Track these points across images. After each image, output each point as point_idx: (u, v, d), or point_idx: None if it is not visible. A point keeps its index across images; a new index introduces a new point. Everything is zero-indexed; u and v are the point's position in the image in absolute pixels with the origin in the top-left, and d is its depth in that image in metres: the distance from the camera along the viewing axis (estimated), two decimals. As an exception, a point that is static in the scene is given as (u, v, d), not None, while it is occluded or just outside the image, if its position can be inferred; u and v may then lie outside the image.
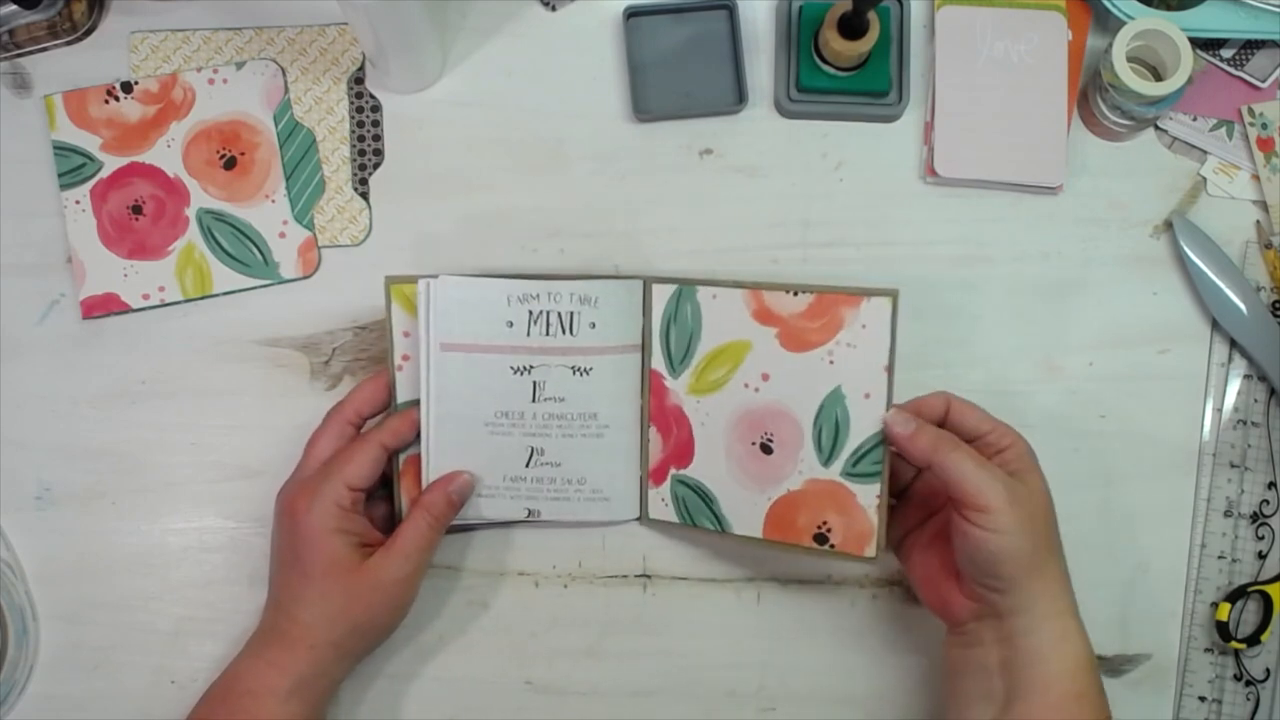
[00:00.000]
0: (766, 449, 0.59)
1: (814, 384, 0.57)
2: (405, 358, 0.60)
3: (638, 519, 0.63)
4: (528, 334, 0.59)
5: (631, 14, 0.66)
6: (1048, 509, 0.54)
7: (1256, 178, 0.66)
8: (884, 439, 0.55)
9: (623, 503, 0.62)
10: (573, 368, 0.60)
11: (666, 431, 0.61)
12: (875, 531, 0.56)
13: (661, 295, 0.61)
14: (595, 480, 0.61)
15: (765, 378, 0.58)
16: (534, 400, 0.60)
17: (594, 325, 0.60)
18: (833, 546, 0.57)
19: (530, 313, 0.59)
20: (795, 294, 0.57)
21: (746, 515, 0.59)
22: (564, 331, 0.60)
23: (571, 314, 0.60)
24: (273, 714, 0.54)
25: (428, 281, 0.58)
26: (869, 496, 0.56)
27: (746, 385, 0.59)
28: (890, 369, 0.55)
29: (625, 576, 0.64)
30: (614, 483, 0.62)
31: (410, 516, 0.58)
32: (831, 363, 0.57)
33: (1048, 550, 0.53)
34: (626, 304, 0.61)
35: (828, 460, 0.57)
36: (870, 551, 0.56)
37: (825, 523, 0.57)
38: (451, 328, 0.59)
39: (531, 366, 0.60)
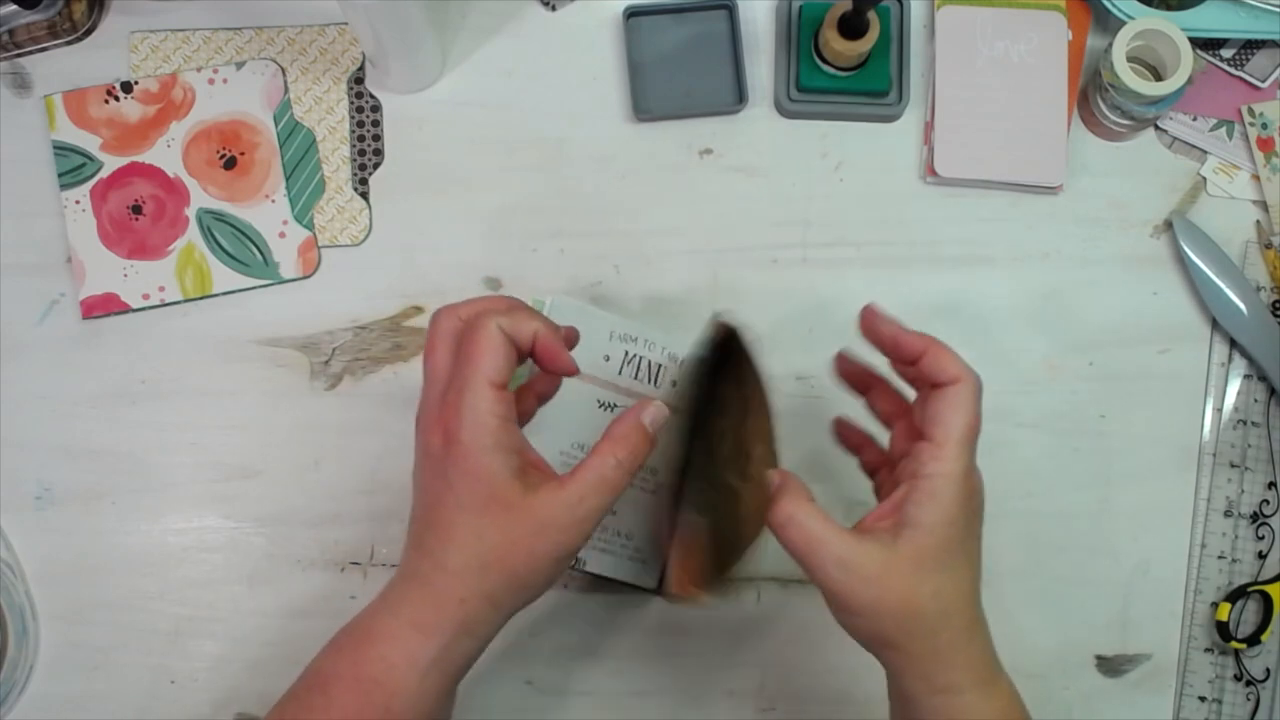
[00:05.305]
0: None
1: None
2: None
3: (655, 590, 0.61)
4: (619, 372, 0.60)
5: (631, 14, 0.66)
6: (936, 568, 0.46)
7: (1256, 178, 0.66)
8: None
9: (652, 569, 0.61)
10: None
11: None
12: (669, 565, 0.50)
13: None
14: (639, 539, 0.60)
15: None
16: None
17: (675, 384, 0.60)
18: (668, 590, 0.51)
19: (626, 353, 0.60)
20: None
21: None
22: (649, 381, 0.60)
23: (660, 366, 0.60)
24: (409, 689, 0.46)
25: (547, 299, 0.59)
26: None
27: None
28: (689, 387, 0.51)
29: (625, 576, 0.64)
30: (653, 546, 0.61)
31: (596, 449, 0.48)
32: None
33: (931, 623, 0.46)
34: None
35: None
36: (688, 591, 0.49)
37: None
38: None
39: (615, 405, 0.60)
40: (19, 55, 0.66)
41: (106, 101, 0.65)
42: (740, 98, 0.66)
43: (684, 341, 0.60)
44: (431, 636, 0.46)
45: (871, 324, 0.50)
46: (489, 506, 0.45)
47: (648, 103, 0.66)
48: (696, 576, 0.50)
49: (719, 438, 0.53)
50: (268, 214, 0.65)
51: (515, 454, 0.46)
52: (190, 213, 0.65)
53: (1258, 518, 0.64)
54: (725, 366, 0.53)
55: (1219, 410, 0.65)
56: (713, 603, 0.49)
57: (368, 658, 0.46)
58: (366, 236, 0.65)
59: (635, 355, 0.60)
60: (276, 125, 0.66)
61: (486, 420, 0.45)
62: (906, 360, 0.49)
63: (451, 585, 0.46)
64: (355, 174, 0.66)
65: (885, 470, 0.54)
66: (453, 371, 0.47)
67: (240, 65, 0.66)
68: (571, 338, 0.53)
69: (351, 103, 0.66)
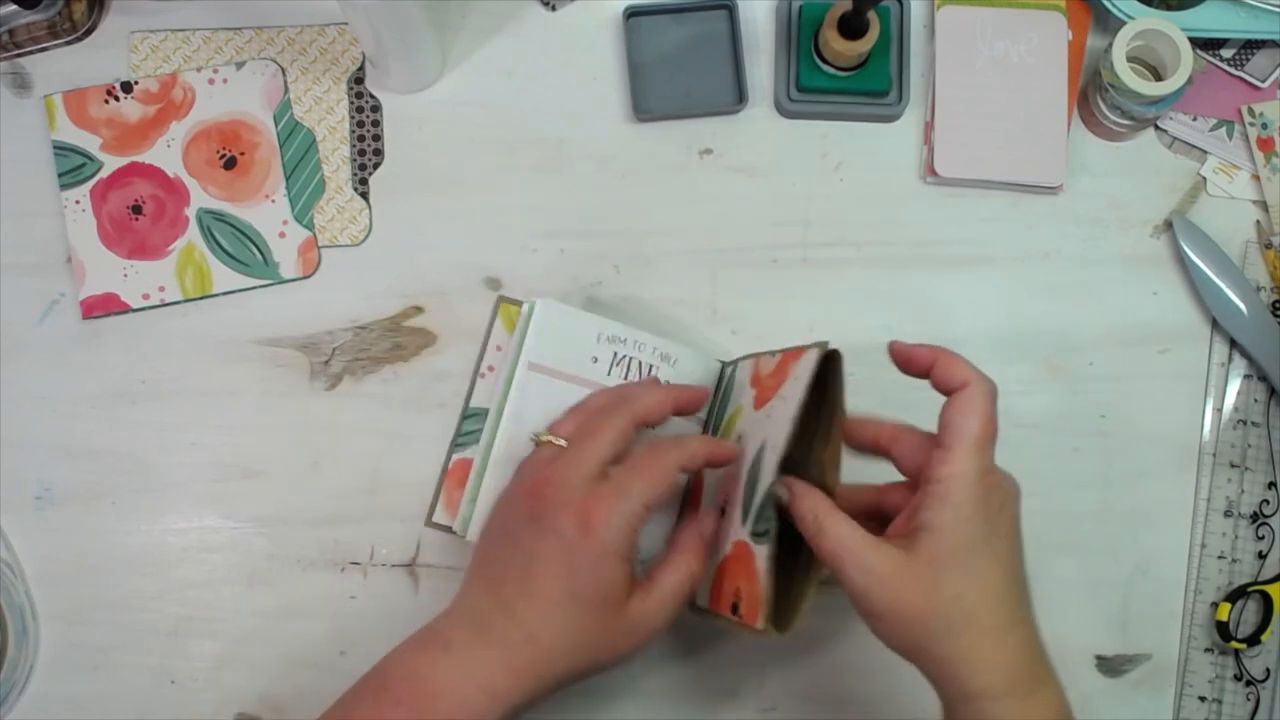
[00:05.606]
0: (723, 511, 0.55)
1: (756, 440, 0.52)
2: (490, 369, 0.63)
3: None
4: (608, 373, 0.59)
5: (631, 14, 0.66)
6: (956, 569, 0.46)
7: (1256, 178, 0.66)
8: (770, 496, 0.49)
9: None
10: None
11: (695, 505, 0.59)
12: (763, 600, 0.48)
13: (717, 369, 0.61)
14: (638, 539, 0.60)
15: (739, 439, 0.55)
16: None
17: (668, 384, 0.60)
18: (740, 617, 0.50)
19: (615, 354, 0.59)
20: (773, 354, 0.55)
21: (704, 582, 0.55)
22: None
23: (650, 367, 0.60)
24: None
25: (533, 301, 0.59)
26: (762, 559, 0.49)
27: None
28: (797, 421, 0.48)
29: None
30: (650, 547, 0.60)
31: (672, 561, 0.52)
32: (768, 417, 0.52)
33: (954, 625, 0.46)
34: (701, 375, 0.61)
35: (744, 518, 0.52)
36: (758, 623, 0.48)
37: (739, 589, 0.51)
38: (543, 350, 0.59)
39: None
40: (19, 55, 0.66)
41: (106, 101, 0.65)
42: (740, 98, 0.66)
43: (676, 341, 0.60)
44: (500, 701, 0.48)
45: (890, 349, 0.52)
46: (600, 605, 0.49)
47: (648, 103, 0.66)
48: (759, 607, 0.49)
49: (793, 465, 0.52)
50: (268, 214, 0.65)
51: (630, 564, 0.50)
52: (190, 213, 0.65)
53: (1258, 518, 0.64)
54: (819, 391, 0.51)
55: (1219, 410, 0.65)
56: (777, 636, 0.48)
57: (433, 714, 0.48)
58: (366, 236, 0.65)
59: (624, 356, 0.59)
60: (276, 125, 0.66)
61: (628, 533, 0.49)
62: (919, 373, 0.50)
63: (537, 660, 0.49)
64: (355, 174, 0.66)
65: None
66: (615, 470, 0.51)
67: (240, 65, 0.66)
68: (702, 400, 0.57)
69: (351, 103, 0.66)
